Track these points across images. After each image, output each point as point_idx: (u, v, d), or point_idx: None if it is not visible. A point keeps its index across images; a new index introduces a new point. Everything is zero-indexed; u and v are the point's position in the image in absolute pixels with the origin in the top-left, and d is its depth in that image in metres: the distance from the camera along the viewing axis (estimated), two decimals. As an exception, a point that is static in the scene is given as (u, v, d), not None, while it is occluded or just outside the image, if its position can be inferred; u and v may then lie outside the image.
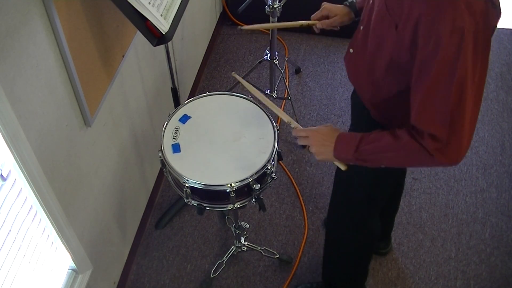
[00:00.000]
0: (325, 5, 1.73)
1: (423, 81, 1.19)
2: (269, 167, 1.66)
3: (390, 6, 1.25)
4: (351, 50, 1.54)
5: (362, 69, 1.47)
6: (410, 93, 1.26)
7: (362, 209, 1.78)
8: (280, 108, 2.94)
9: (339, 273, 2.08)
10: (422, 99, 1.20)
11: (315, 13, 1.75)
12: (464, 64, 1.12)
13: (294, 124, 1.51)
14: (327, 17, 1.72)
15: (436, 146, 1.20)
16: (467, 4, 1.09)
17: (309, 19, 1.77)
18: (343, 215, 1.87)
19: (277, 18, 2.43)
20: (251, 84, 1.66)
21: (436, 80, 1.16)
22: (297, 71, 3.21)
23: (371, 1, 1.38)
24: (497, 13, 1.18)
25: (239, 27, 1.95)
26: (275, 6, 2.37)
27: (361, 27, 1.45)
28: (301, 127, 1.50)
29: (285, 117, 1.55)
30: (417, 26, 1.15)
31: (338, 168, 1.89)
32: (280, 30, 3.28)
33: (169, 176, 1.73)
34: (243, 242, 2.26)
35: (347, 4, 1.69)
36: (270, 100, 1.59)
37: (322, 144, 1.41)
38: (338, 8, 1.69)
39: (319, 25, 1.73)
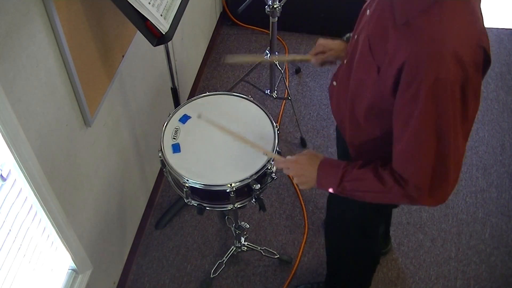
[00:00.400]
0: (320, 41, 1.65)
1: (404, 130, 1.15)
2: (269, 167, 1.66)
3: (374, 47, 1.19)
4: (334, 83, 1.49)
5: (343, 105, 1.42)
6: (391, 138, 1.22)
7: (358, 239, 1.77)
8: (279, 110, 2.91)
9: (340, 278, 2.08)
10: (404, 149, 1.17)
11: (311, 50, 1.69)
12: (447, 116, 1.08)
13: (271, 155, 1.50)
14: (323, 53, 1.65)
15: (421, 194, 1.19)
16: (455, 55, 1.03)
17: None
18: (339, 241, 1.89)
19: (277, 18, 2.43)
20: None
21: (418, 131, 1.12)
22: (297, 71, 3.20)
23: (355, 36, 1.32)
24: (488, 60, 1.12)
25: (222, 59, 1.92)
26: (275, 6, 2.37)
27: (345, 61, 1.40)
28: (280, 157, 1.50)
29: (262, 151, 1.56)
30: (400, 72, 1.09)
31: (328, 204, 1.89)
32: (281, 30, 3.27)
33: (169, 176, 1.73)
34: (243, 242, 2.26)
35: (345, 39, 1.62)
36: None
37: (302, 174, 1.41)
38: (334, 43, 1.62)
39: (314, 60, 1.67)
